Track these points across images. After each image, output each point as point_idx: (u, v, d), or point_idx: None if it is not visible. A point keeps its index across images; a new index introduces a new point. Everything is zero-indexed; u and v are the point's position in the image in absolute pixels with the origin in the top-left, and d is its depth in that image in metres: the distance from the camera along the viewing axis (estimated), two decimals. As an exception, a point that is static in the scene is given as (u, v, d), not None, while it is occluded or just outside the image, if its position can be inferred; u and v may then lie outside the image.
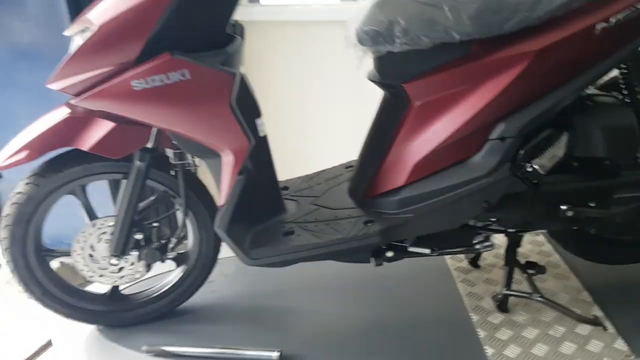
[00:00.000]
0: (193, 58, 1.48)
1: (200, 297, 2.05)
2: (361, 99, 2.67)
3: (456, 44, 1.54)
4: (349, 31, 1.68)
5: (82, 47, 1.48)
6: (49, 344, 2.01)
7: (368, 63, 1.75)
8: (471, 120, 1.60)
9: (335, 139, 2.74)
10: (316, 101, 2.74)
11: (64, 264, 2.77)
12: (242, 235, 1.73)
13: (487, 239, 1.82)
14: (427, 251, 1.73)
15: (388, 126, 1.72)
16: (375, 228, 1.67)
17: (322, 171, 2.13)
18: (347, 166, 2.11)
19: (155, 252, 1.80)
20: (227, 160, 1.60)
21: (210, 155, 1.63)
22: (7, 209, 1.74)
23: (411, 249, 1.73)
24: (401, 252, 1.74)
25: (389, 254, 1.73)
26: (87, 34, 1.48)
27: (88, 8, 1.55)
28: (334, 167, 2.15)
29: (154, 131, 1.66)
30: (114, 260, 1.80)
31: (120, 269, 1.85)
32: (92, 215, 1.83)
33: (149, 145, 1.69)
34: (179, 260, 1.95)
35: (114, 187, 2.66)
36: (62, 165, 1.72)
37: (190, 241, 1.94)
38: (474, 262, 2.19)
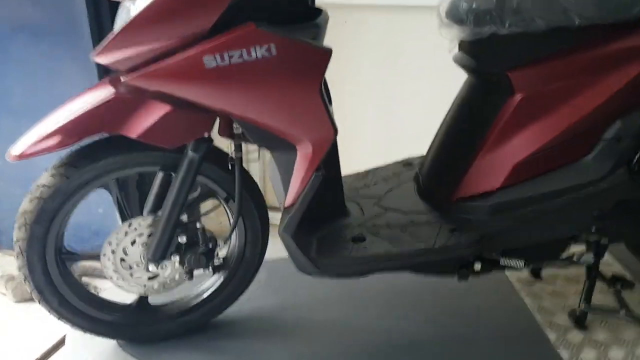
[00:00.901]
0: (280, 31, 1.22)
1: (235, 307, 1.79)
2: (407, 93, 2.45)
3: (575, 28, 1.34)
4: (441, 9, 1.46)
5: (141, 14, 1.20)
6: (61, 342, 1.77)
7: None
8: (585, 117, 1.40)
9: (378, 134, 2.50)
10: (354, 95, 2.49)
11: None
12: (308, 241, 1.49)
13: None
14: (520, 264, 1.52)
15: (479, 120, 1.51)
16: (466, 237, 1.45)
17: (375, 169, 1.90)
18: (406, 163, 1.88)
19: (201, 257, 1.54)
20: (304, 154, 1.35)
21: (283, 147, 1.37)
22: (27, 205, 1.44)
23: (503, 262, 1.51)
24: (491, 265, 1.53)
25: (477, 266, 1.52)
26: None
27: None
28: (388, 164, 1.92)
29: (215, 118, 1.40)
30: (151, 267, 1.53)
31: (155, 276, 1.58)
32: (125, 214, 1.55)
33: (207, 134, 1.42)
34: (217, 266, 1.69)
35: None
36: (97, 154, 1.44)
37: (233, 245, 1.68)
38: (536, 273, 1.99)
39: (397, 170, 1.85)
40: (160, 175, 1.56)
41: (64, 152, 1.45)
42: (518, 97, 1.43)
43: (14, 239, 1.47)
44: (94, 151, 1.45)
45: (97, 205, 2.55)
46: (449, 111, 1.67)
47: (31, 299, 2.51)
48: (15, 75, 2.38)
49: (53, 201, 1.43)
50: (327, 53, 1.26)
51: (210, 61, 1.21)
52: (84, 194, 1.47)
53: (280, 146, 1.37)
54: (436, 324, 1.77)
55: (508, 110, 1.45)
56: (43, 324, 2.07)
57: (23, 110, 2.47)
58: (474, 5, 1.36)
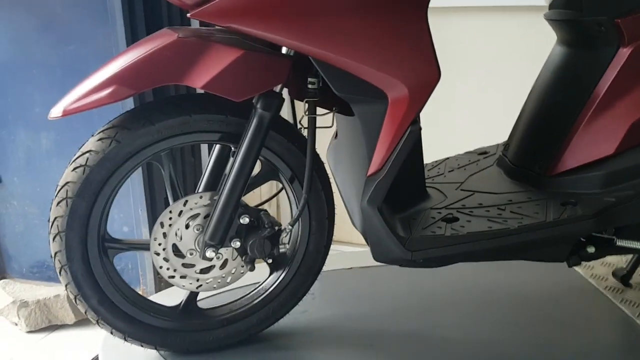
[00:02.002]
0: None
1: (289, 319, 1.55)
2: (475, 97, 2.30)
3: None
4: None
5: None
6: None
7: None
8: None
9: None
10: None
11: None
12: (392, 218, 1.28)
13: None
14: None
15: (581, 80, 1.34)
16: (583, 210, 1.24)
17: (445, 159, 1.71)
18: (481, 152, 1.69)
19: (266, 242, 1.32)
20: (398, 102, 1.15)
21: (371, 96, 1.18)
22: (69, 175, 1.24)
23: (620, 243, 1.30)
24: (606, 248, 1.31)
25: (590, 249, 1.30)
26: None
27: None
28: (458, 154, 1.73)
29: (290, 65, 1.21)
30: (209, 252, 1.30)
31: (210, 267, 1.35)
32: (178, 194, 1.34)
33: (278, 87, 1.24)
34: (275, 263, 1.46)
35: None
36: (152, 116, 1.24)
37: (295, 236, 1.46)
38: (625, 280, 1.76)
39: (473, 158, 1.67)
40: (217, 148, 1.37)
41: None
42: (630, 47, 1.27)
43: (51, 217, 1.26)
44: (147, 113, 1.26)
45: (122, 223, 2.35)
46: (536, 83, 1.51)
47: (46, 329, 2.28)
48: (37, 81, 2.22)
49: (100, 170, 1.22)
50: None
51: None
52: (135, 165, 1.27)
53: (366, 96, 1.18)
54: (532, 335, 1.52)
55: (618, 63, 1.28)
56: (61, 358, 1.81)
57: (43, 122, 2.30)
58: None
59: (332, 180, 1.48)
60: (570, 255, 1.31)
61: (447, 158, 1.71)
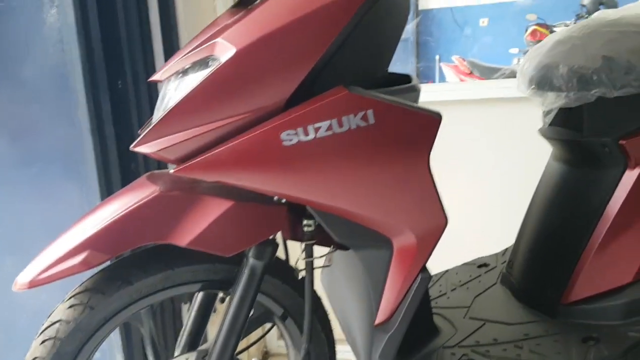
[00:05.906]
0: (377, 94, 0.98)
1: None
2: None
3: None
4: (527, 76, 1.26)
5: (202, 85, 0.95)
6: None
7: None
8: None
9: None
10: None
11: None
12: (404, 370, 1.16)
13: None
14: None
15: (586, 199, 1.26)
16: (608, 349, 1.14)
17: (443, 273, 1.62)
18: (481, 264, 1.60)
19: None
20: (405, 249, 1.06)
21: (374, 243, 1.08)
22: (37, 350, 1.08)
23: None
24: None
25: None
26: (210, 68, 0.96)
27: (206, 32, 1.04)
28: (457, 267, 1.64)
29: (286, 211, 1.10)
30: None
31: None
32: (158, 355, 1.20)
33: (272, 235, 1.13)
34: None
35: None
36: (129, 274, 1.11)
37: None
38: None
39: (473, 273, 1.57)
40: (199, 297, 1.24)
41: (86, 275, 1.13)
42: (638, 169, 1.20)
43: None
44: (124, 271, 1.12)
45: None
46: (534, 200, 1.43)
47: None
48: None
49: (72, 341, 1.07)
50: (437, 119, 1.01)
51: (290, 137, 0.95)
52: (110, 329, 1.12)
53: (370, 242, 1.08)
54: None
55: (628, 184, 1.21)
56: None
57: (7, 246, 2.13)
58: (575, 67, 1.17)
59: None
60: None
61: (447, 271, 1.61)
